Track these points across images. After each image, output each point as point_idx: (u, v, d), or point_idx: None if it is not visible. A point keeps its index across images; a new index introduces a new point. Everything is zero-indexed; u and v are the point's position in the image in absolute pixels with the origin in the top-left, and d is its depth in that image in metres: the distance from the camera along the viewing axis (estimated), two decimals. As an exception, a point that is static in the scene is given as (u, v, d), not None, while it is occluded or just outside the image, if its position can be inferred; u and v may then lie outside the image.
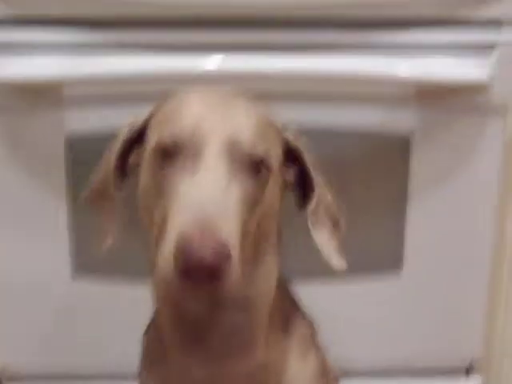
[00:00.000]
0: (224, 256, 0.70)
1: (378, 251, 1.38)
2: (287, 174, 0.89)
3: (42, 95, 1.24)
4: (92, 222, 1.27)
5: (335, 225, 0.91)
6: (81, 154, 1.27)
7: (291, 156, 0.89)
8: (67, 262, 1.33)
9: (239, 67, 1.22)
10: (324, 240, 0.90)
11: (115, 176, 0.88)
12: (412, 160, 1.31)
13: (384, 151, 1.31)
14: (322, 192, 0.89)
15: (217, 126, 0.79)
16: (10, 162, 1.28)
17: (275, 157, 0.84)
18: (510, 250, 1.45)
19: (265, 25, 1.23)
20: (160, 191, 0.78)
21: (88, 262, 1.33)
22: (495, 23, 1.26)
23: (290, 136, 0.88)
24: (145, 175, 0.83)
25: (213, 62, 1.23)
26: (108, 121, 1.24)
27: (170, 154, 0.78)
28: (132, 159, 0.89)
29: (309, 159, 0.89)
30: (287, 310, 0.92)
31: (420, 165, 1.32)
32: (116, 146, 0.88)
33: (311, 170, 0.88)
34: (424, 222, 1.36)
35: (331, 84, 1.25)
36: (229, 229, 0.73)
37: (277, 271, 0.89)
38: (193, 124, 0.79)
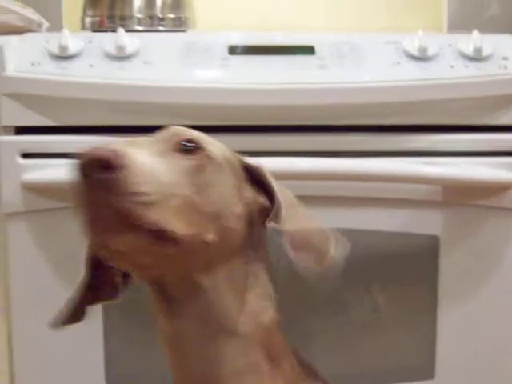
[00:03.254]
0: (116, 154, 0.69)
1: (409, 361, 1.37)
2: (260, 197, 0.86)
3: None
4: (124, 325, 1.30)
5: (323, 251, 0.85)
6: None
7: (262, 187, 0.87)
8: (101, 362, 1.33)
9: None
10: (306, 263, 0.83)
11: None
12: (441, 261, 1.32)
13: (413, 252, 1.33)
14: (298, 220, 0.85)
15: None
16: (46, 262, 1.30)
17: (220, 154, 0.82)
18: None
19: (297, 131, 1.29)
20: None
21: (122, 367, 1.33)
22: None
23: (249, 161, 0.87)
24: None
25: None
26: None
27: None
28: None
29: (271, 181, 0.86)
30: (295, 375, 0.87)
31: (449, 267, 1.33)
32: None
33: (273, 189, 0.85)
34: (455, 329, 1.35)
35: (366, 188, 1.29)
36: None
37: (269, 320, 0.85)
38: None
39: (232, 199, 0.81)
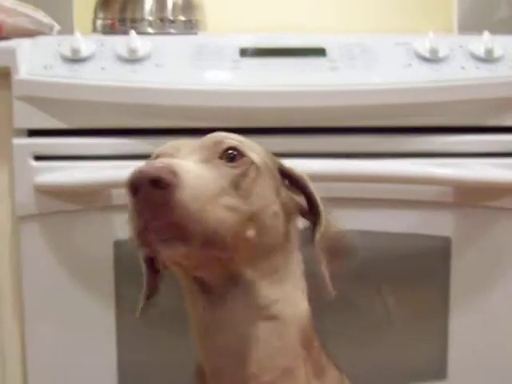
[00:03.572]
0: (168, 171, 0.75)
1: (421, 361, 1.37)
2: (298, 198, 0.94)
3: (91, 200, 1.29)
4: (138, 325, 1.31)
5: (334, 255, 0.94)
6: (130, 257, 1.29)
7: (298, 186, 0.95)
8: (114, 365, 1.33)
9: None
10: (323, 268, 0.93)
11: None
12: (453, 263, 1.32)
13: (425, 254, 1.33)
14: (326, 223, 0.93)
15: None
16: (59, 264, 1.30)
17: (260, 158, 0.88)
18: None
19: (308, 133, 1.29)
20: None
21: (134, 364, 1.34)
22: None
23: (288, 166, 0.95)
24: None
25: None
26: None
27: None
28: None
29: (313, 188, 0.94)
30: (322, 360, 0.93)
31: (461, 268, 1.33)
32: None
33: (315, 196, 0.93)
34: (467, 329, 1.35)
35: (377, 190, 1.29)
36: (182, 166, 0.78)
37: (304, 309, 0.91)
38: None
39: (270, 199, 0.88)
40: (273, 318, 0.87)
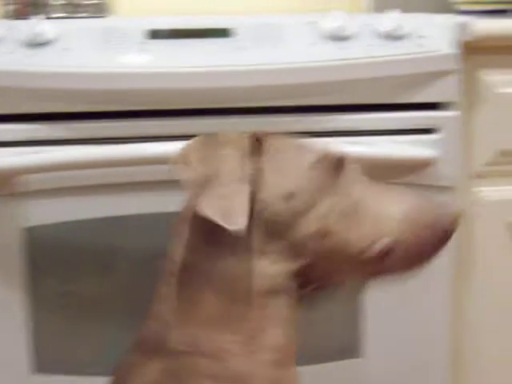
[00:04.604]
0: None
1: (335, 340, 1.39)
2: None
3: (0, 186, 1.27)
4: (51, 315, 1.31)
5: None
6: (40, 244, 1.28)
7: None
8: (25, 356, 1.32)
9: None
10: None
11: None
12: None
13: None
14: None
15: None
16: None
17: None
18: (468, 330, 1.48)
19: (215, 114, 1.30)
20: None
21: (48, 356, 1.33)
22: (433, 106, 1.35)
23: None
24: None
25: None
26: (66, 212, 1.28)
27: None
28: None
29: None
30: None
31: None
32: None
33: None
34: (380, 307, 1.38)
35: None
36: None
37: None
38: None
39: None
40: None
